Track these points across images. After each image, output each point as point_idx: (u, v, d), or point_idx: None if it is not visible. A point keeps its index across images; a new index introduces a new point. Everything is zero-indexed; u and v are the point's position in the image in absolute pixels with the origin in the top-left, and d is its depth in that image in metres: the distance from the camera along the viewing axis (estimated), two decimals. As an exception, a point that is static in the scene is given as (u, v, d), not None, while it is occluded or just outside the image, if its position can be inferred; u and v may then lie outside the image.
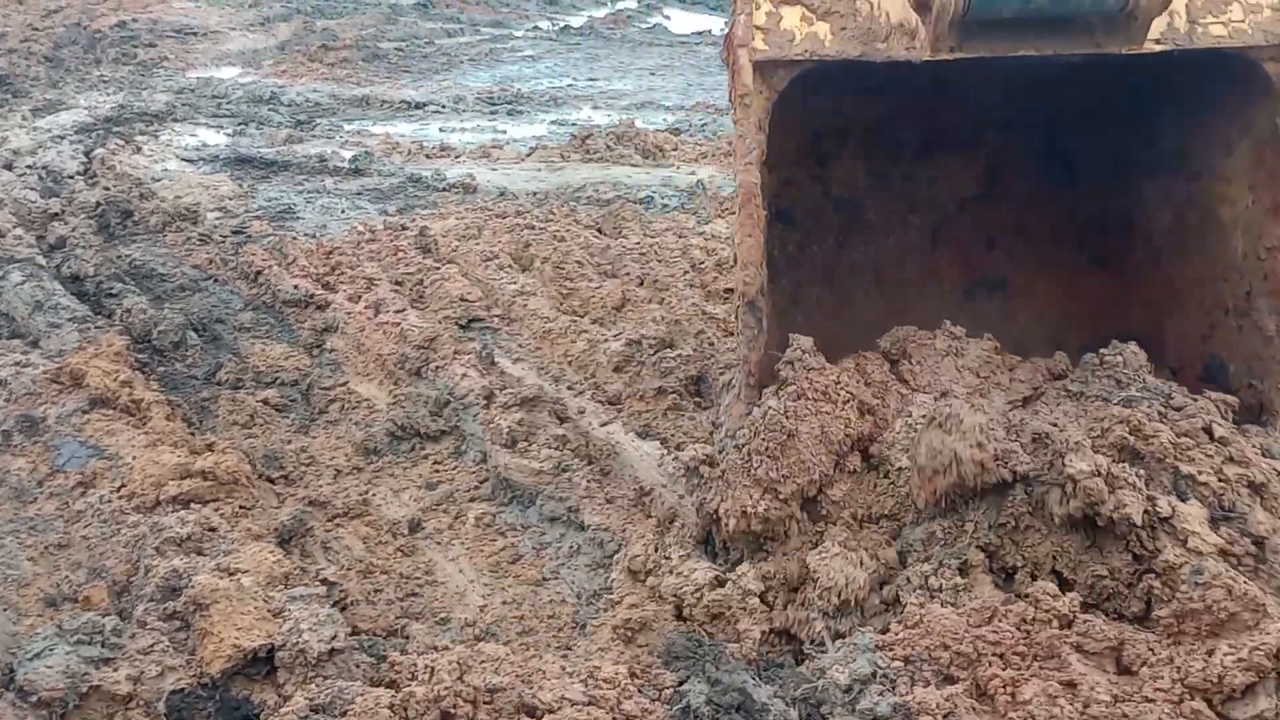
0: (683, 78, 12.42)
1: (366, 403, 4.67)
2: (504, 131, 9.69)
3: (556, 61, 13.33)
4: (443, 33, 14.92)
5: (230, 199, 7.37)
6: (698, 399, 4.48)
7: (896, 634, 2.63)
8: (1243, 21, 3.25)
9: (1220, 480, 2.88)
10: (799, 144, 4.04)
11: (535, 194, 7.46)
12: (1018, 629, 2.55)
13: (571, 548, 3.65)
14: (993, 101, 4.05)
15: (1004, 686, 2.41)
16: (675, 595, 3.12)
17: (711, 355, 4.70)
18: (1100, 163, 4.10)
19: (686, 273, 5.73)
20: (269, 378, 4.85)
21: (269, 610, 2.84)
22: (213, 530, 3.40)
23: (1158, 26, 3.19)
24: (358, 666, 2.72)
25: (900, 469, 3.11)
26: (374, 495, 4.03)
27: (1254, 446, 3.04)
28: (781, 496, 3.06)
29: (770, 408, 3.14)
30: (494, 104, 10.78)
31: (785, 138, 3.86)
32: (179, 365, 4.95)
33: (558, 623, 3.32)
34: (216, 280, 5.94)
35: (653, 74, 12.64)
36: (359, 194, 7.61)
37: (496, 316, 5.37)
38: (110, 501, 3.71)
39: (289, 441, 4.36)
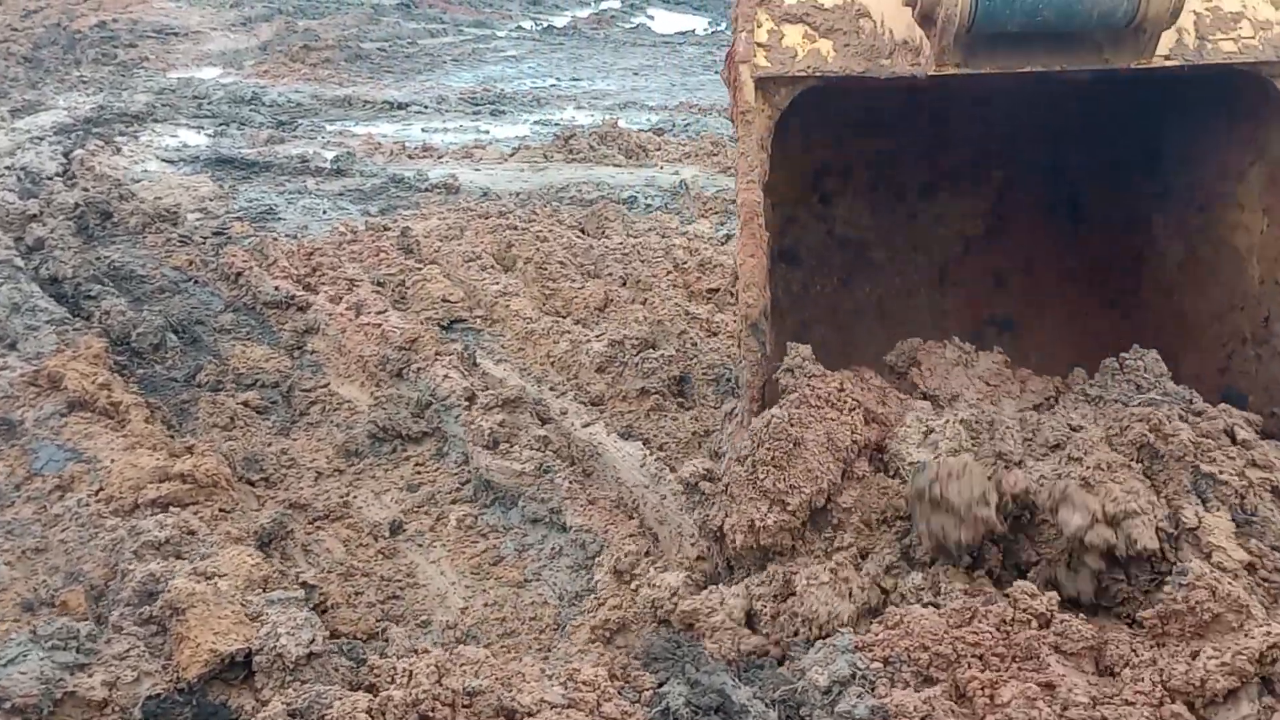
0: (666, 78, 12.42)
1: (348, 404, 4.65)
2: (487, 132, 9.67)
3: (540, 61, 13.31)
4: (425, 33, 14.88)
5: (211, 200, 7.33)
6: (680, 399, 4.47)
7: (876, 635, 2.59)
8: (1253, 38, 3.22)
9: (1242, 481, 2.81)
10: (802, 182, 4.02)
11: (518, 194, 7.45)
12: (997, 629, 2.52)
13: (553, 549, 3.64)
14: (997, 138, 4.03)
15: (982, 689, 2.38)
16: (652, 604, 3.10)
17: (694, 356, 4.70)
18: (1107, 199, 4.06)
19: (669, 273, 5.72)
20: (249, 380, 4.83)
21: (247, 614, 2.82)
22: (192, 533, 3.38)
23: (1166, 43, 3.15)
24: (336, 670, 2.71)
25: (913, 463, 3.02)
26: (355, 497, 4.01)
27: (1278, 454, 2.94)
28: (790, 508, 2.96)
29: (774, 416, 3.05)
30: (477, 104, 10.76)
31: (788, 175, 3.81)
32: (158, 367, 4.92)
33: (539, 624, 3.31)
34: (197, 282, 5.90)
35: (636, 74, 12.64)
36: (341, 195, 7.58)
37: (479, 317, 5.36)
38: (88, 505, 3.68)
39: (269, 444, 4.33)
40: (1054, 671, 2.40)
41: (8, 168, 7.87)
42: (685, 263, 5.83)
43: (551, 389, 4.63)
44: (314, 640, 2.70)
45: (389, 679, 2.54)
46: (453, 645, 2.99)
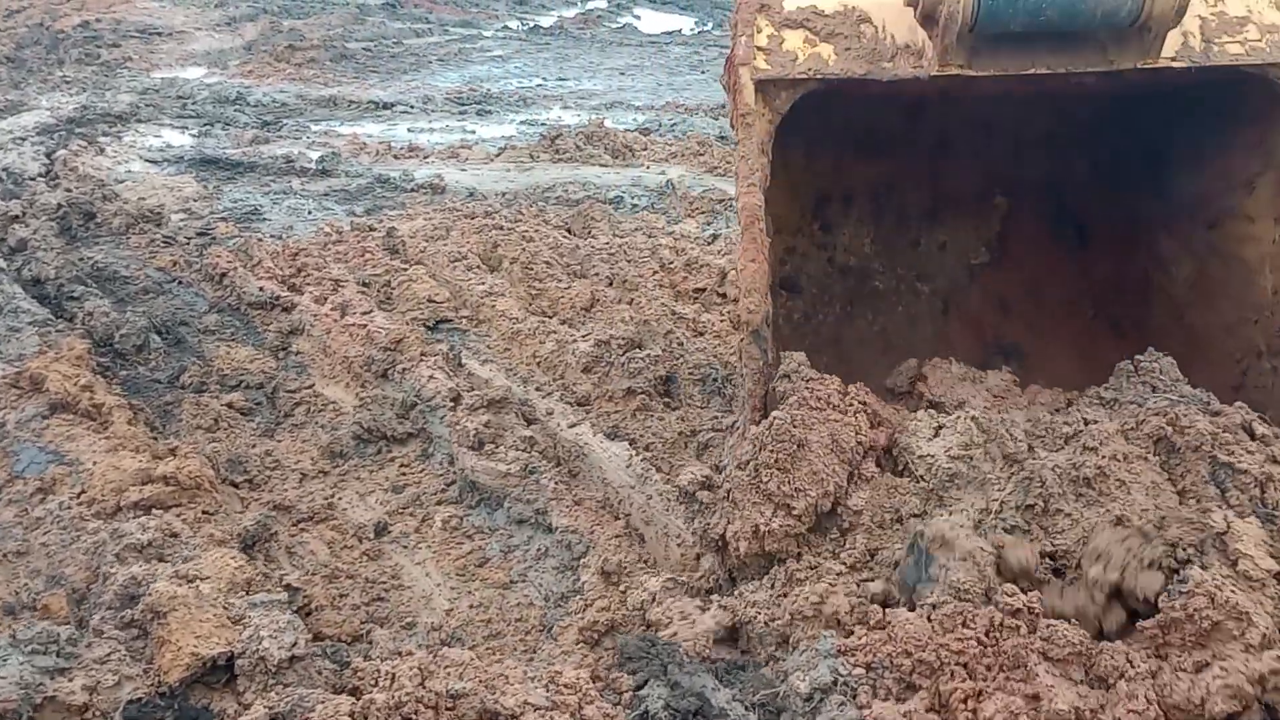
0: (652, 78, 12.41)
1: (332, 405, 4.63)
2: (473, 132, 9.65)
3: (526, 61, 13.29)
4: (411, 33, 14.84)
5: (195, 200, 7.29)
6: (667, 399, 4.46)
7: (860, 638, 2.54)
8: (1260, 41, 3.19)
9: (1262, 471, 2.73)
10: (802, 209, 4.00)
11: (504, 194, 7.43)
12: (985, 635, 2.44)
13: (539, 550, 3.63)
14: (1000, 163, 4.00)
15: (965, 700, 2.32)
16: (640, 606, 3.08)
17: (680, 355, 4.69)
18: (1113, 222, 4.03)
19: (656, 273, 5.71)
20: (234, 381, 4.81)
21: (229, 617, 2.80)
22: (174, 536, 3.35)
23: (1172, 45, 3.13)
24: (320, 673, 2.69)
25: (922, 457, 2.96)
26: (340, 499, 3.99)
27: None
28: (795, 512, 2.88)
29: (776, 418, 2.98)
30: (463, 104, 10.73)
31: (788, 203, 3.79)
32: (142, 369, 4.89)
33: (525, 626, 3.30)
34: (181, 283, 5.87)
35: (622, 74, 12.63)
36: (326, 195, 7.55)
37: (464, 318, 5.34)
38: (70, 508, 3.65)
39: (254, 445, 4.31)
40: (1041, 682, 2.33)
41: (-10, 168, 7.83)
42: (671, 262, 5.83)
43: (537, 389, 4.62)
44: (296, 643, 2.68)
45: (372, 682, 2.52)
46: (437, 647, 2.97)
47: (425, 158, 8.60)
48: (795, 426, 2.94)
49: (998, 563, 2.62)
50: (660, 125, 9.63)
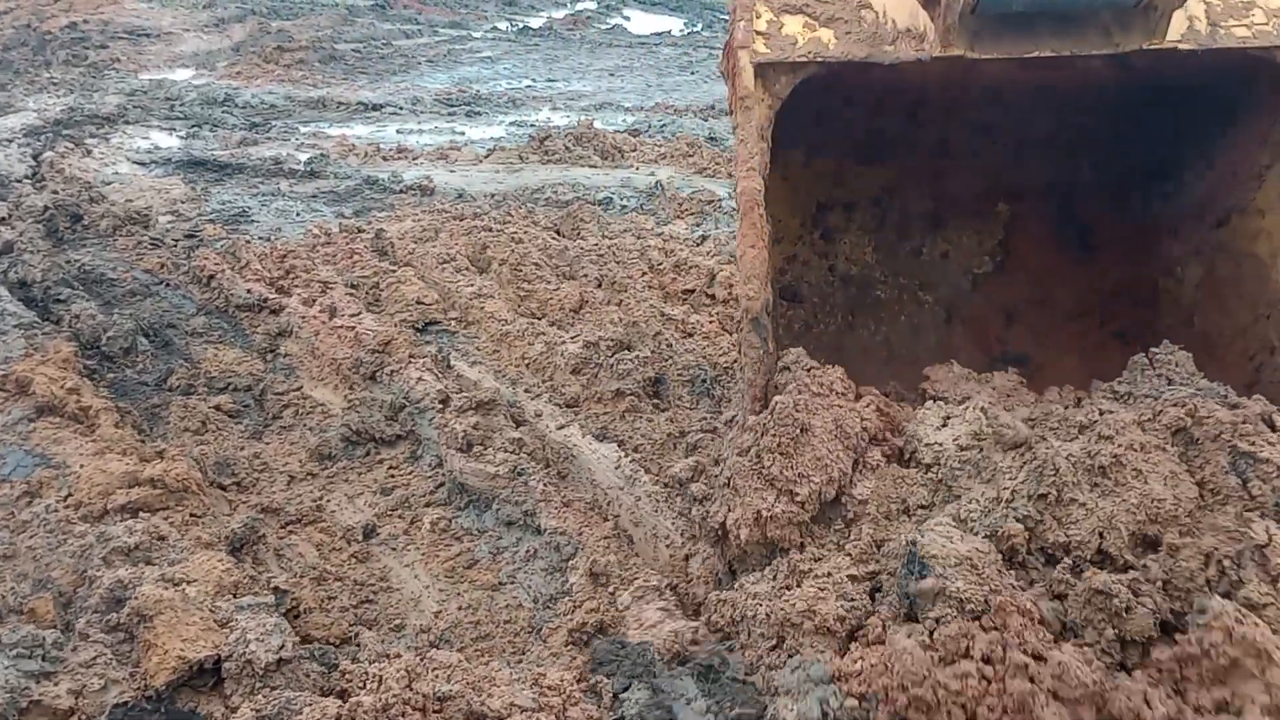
0: (642, 79, 12.42)
1: (321, 408, 4.62)
2: (462, 133, 9.65)
3: (515, 63, 13.28)
4: (400, 34, 14.83)
5: (183, 202, 7.27)
6: (655, 401, 4.47)
7: (854, 660, 2.42)
8: (1266, 24, 3.15)
9: None
10: (802, 217, 3.97)
11: (493, 196, 7.43)
12: (984, 664, 2.28)
13: (528, 552, 3.62)
14: (1002, 169, 3.97)
15: None
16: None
17: (669, 357, 4.69)
18: (1118, 227, 3.99)
19: (645, 274, 5.71)
20: (221, 383, 4.79)
21: (216, 620, 2.79)
22: (162, 539, 3.34)
23: (1178, 29, 3.09)
24: (307, 676, 2.68)
25: (929, 445, 2.88)
26: (328, 501, 3.98)
27: None
28: (798, 499, 2.78)
29: (779, 402, 2.89)
30: (452, 105, 10.73)
31: (788, 211, 3.76)
32: (129, 372, 4.87)
33: (514, 628, 3.29)
34: (168, 285, 5.85)
35: (612, 75, 12.63)
36: (314, 197, 7.54)
37: (453, 319, 5.34)
38: (56, 511, 3.64)
39: (241, 448, 4.30)
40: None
41: (-24, 170, 7.79)
42: (660, 264, 5.83)
43: (526, 391, 4.62)
44: (284, 646, 2.68)
45: (360, 684, 2.52)
46: (426, 649, 2.96)
47: (414, 159, 8.59)
48: (798, 411, 2.85)
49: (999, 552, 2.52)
50: (649, 126, 9.64)
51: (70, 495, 3.69)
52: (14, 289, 5.63)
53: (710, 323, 5.14)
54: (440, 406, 4.39)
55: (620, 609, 3.01)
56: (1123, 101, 3.72)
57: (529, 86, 11.90)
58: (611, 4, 17.54)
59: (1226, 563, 2.43)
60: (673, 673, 2.45)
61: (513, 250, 6.01)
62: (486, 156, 8.59)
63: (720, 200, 7.28)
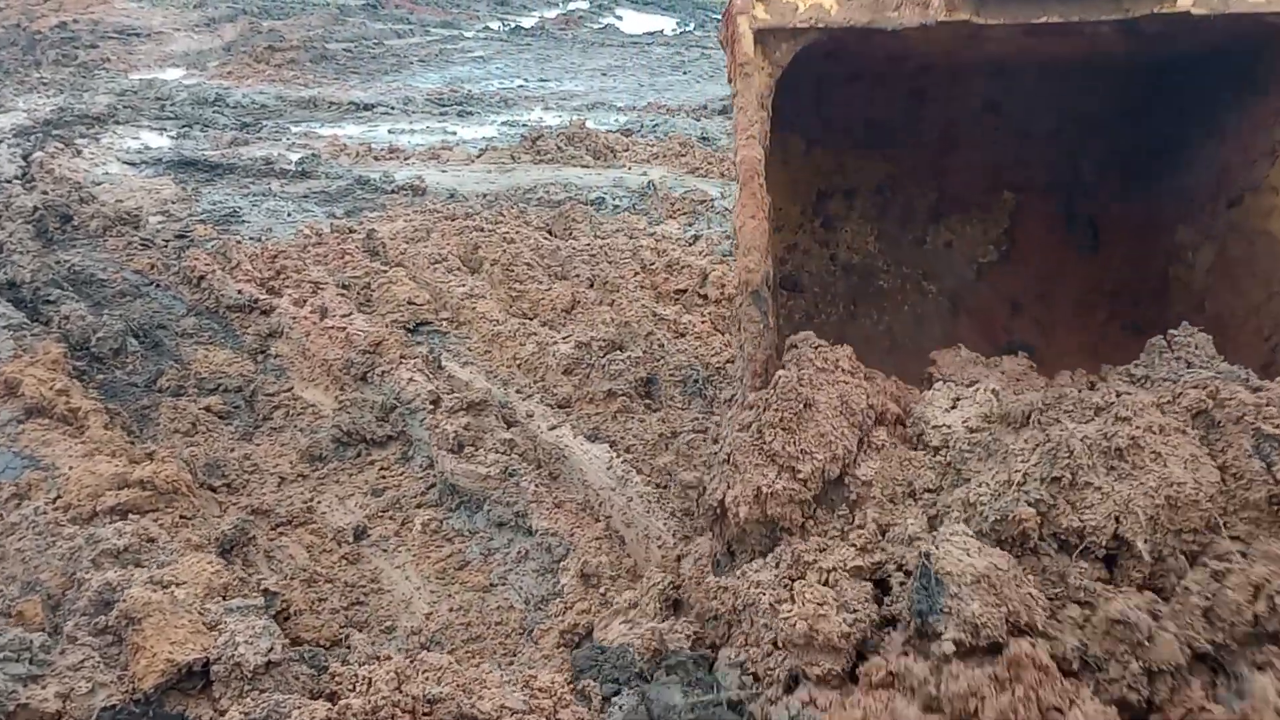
0: (634, 78, 12.42)
1: (312, 409, 4.61)
2: (454, 133, 9.64)
3: (507, 62, 13.27)
4: (392, 34, 14.81)
5: (173, 203, 7.25)
6: (648, 401, 4.46)
7: (855, 708, 2.25)
8: None
9: None
10: (803, 205, 3.90)
11: (485, 196, 7.42)
12: None
13: (519, 553, 3.61)
14: (1007, 158, 3.91)
15: None
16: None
17: (661, 357, 4.68)
18: (1127, 214, 3.92)
19: (637, 274, 5.70)
20: (212, 384, 4.78)
21: (205, 623, 2.78)
22: (151, 541, 3.32)
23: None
24: (297, 679, 2.67)
25: (937, 427, 2.77)
26: (319, 503, 3.97)
27: None
28: (800, 476, 2.66)
29: (782, 376, 2.78)
30: (444, 105, 10.71)
31: (788, 199, 3.68)
32: (118, 373, 4.85)
33: (505, 629, 3.28)
34: (158, 286, 5.83)
35: (604, 75, 12.63)
36: (306, 197, 7.52)
37: (445, 320, 5.32)
38: (45, 513, 3.61)
39: (232, 449, 4.28)
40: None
41: (-35, 171, 7.76)
42: (653, 264, 5.82)
43: (518, 391, 4.61)
44: (273, 649, 2.66)
45: (349, 686, 2.51)
46: (417, 651, 2.95)
47: (406, 159, 8.57)
48: (802, 385, 2.74)
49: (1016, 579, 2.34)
50: (642, 126, 9.64)
51: (59, 497, 3.67)
52: (3, 290, 5.61)
53: (702, 323, 5.14)
54: (431, 407, 4.38)
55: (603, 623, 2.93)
56: (1131, 78, 3.62)
57: (521, 86, 11.89)
58: (604, 3, 17.54)
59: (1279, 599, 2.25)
60: (665, 680, 2.40)
61: (504, 250, 6.00)
62: (478, 156, 8.58)
63: (713, 200, 7.28)
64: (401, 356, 4.80)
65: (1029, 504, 2.47)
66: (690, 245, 6.23)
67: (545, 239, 6.33)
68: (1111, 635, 2.28)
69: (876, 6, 3.04)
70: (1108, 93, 3.77)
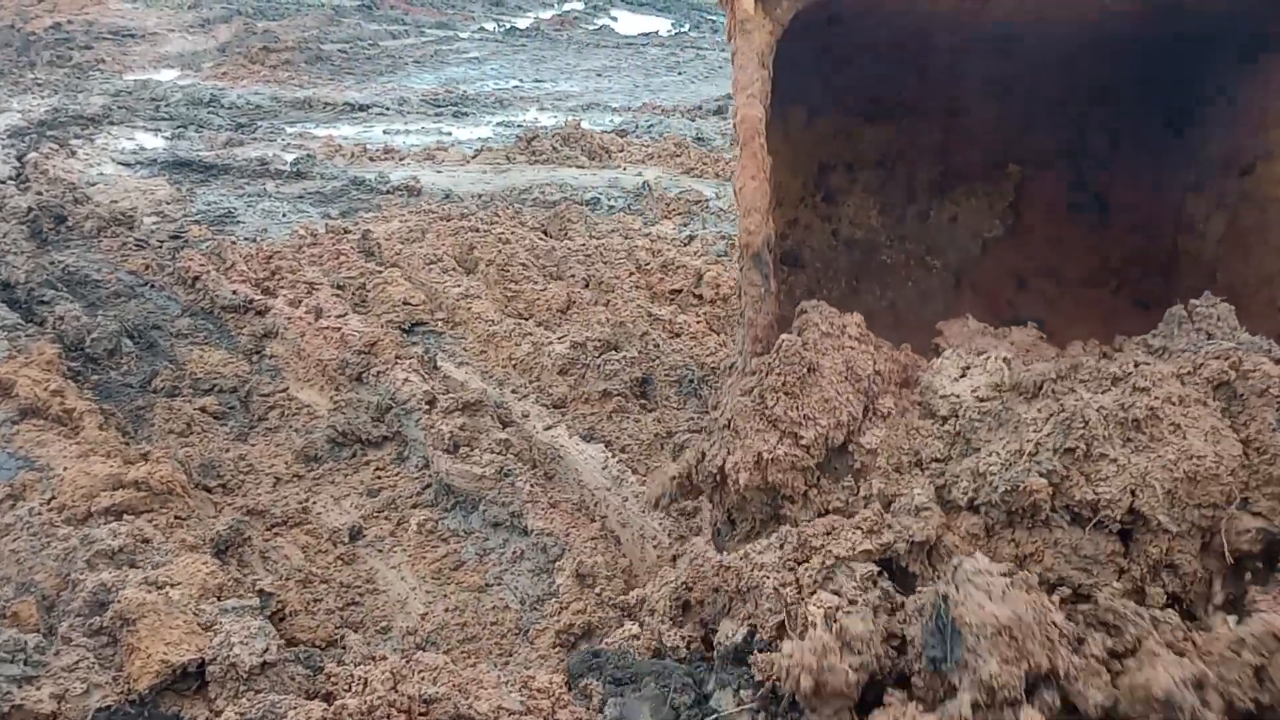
0: (629, 79, 12.42)
1: (307, 409, 4.60)
2: (449, 133, 9.64)
3: (502, 63, 13.27)
4: (387, 34, 14.81)
5: (168, 203, 7.24)
6: (643, 401, 4.46)
7: None
8: None
9: None
10: (804, 178, 3.83)
11: (480, 196, 7.42)
12: None
13: (515, 553, 3.61)
14: (1013, 131, 3.83)
15: None
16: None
17: (657, 357, 4.69)
18: (1135, 186, 3.83)
19: (632, 274, 5.71)
20: (207, 385, 4.77)
21: (200, 623, 2.77)
22: (146, 542, 3.32)
23: None
24: (292, 679, 2.67)
25: (945, 396, 2.68)
26: (314, 503, 3.97)
27: None
28: (803, 442, 2.57)
29: (786, 340, 2.68)
30: (439, 106, 10.71)
31: (789, 172, 3.59)
32: (113, 373, 4.84)
33: (501, 629, 3.28)
34: (153, 286, 5.82)
35: (599, 75, 12.63)
36: (301, 197, 7.51)
37: (440, 320, 5.32)
38: (40, 514, 3.61)
39: (227, 450, 4.28)
40: None
41: (-41, 171, 7.75)
42: (648, 264, 5.82)
43: (513, 392, 4.61)
44: (268, 649, 2.66)
45: (345, 687, 2.50)
46: (412, 652, 2.95)
47: (401, 160, 8.57)
48: (806, 350, 2.64)
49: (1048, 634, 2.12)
50: (637, 127, 9.64)
51: (54, 498, 3.67)
52: (-3, 291, 5.61)
53: (697, 323, 5.14)
54: (427, 407, 4.38)
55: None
56: (1140, 46, 3.55)
57: (516, 87, 11.89)
58: (599, 4, 17.55)
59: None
60: (636, 695, 2.34)
61: (500, 251, 6.00)
62: (473, 157, 8.58)
63: (707, 200, 7.28)
64: (397, 357, 4.80)
65: (1041, 475, 2.39)
66: (685, 245, 6.24)
67: (540, 239, 6.33)
68: (1147, 705, 2.08)
69: None
70: (1115, 63, 3.69)
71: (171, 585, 2.92)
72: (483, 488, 3.88)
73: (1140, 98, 3.71)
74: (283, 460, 4.24)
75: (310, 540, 3.73)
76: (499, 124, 9.99)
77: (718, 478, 2.72)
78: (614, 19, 16.92)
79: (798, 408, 2.60)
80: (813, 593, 2.41)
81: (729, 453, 2.66)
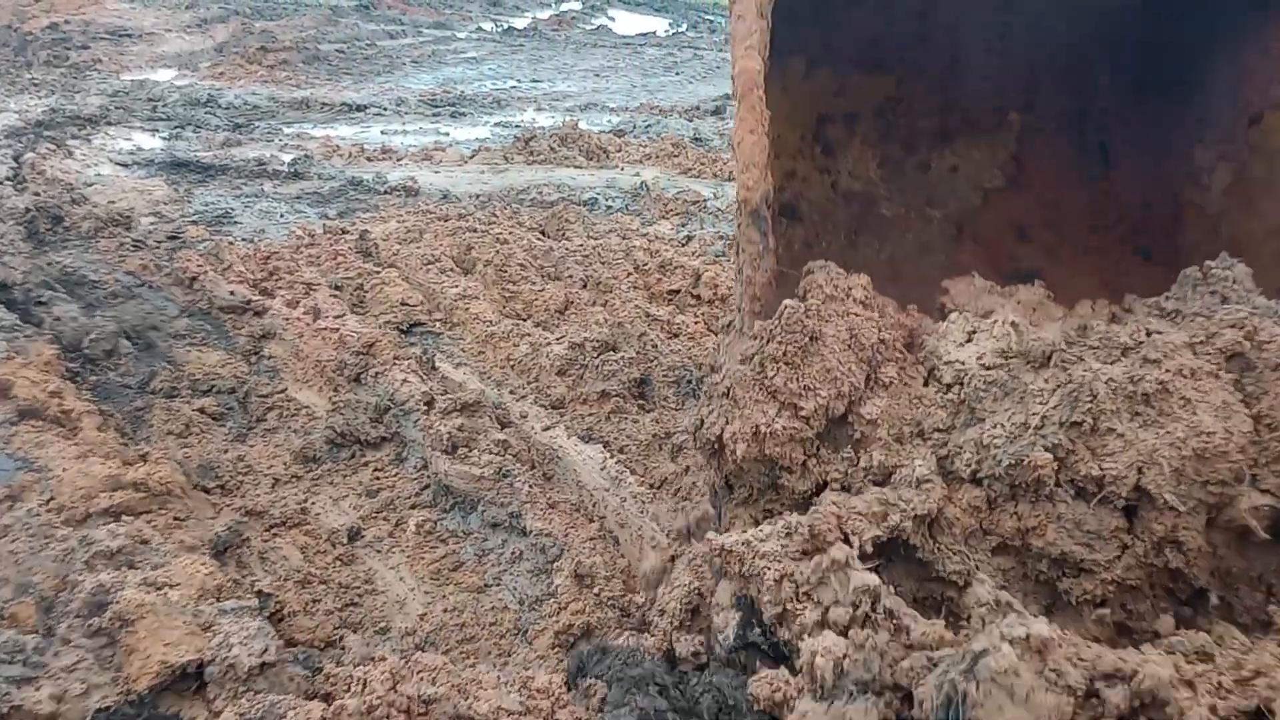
0: (627, 79, 12.43)
1: (305, 410, 4.60)
2: (446, 134, 9.64)
3: (500, 63, 13.27)
4: (384, 34, 14.81)
5: (165, 204, 7.24)
6: (641, 402, 4.47)
7: None
8: None
9: None
10: (802, 130, 3.75)
11: (478, 196, 7.42)
12: None
13: (513, 554, 3.61)
14: (1015, 79, 3.75)
15: None
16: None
17: (655, 358, 4.69)
18: (1139, 136, 3.75)
19: (630, 275, 5.71)
20: (205, 386, 4.77)
21: (199, 624, 2.78)
22: (145, 543, 3.32)
23: None
24: (292, 680, 2.67)
25: (950, 363, 2.64)
26: (313, 504, 3.97)
27: None
28: (803, 413, 2.54)
29: (789, 306, 2.63)
30: (436, 106, 10.72)
31: (786, 123, 3.51)
32: (111, 374, 4.84)
33: (499, 630, 3.29)
34: (151, 287, 5.81)
35: (597, 75, 12.64)
36: (298, 198, 7.51)
37: (438, 321, 5.32)
38: (38, 515, 3.60)
39: (225, 451, 4.28)
40: None
41: (-44, 172, 7.74)
42: (646, 264, 5.83)
43: (511, 392, 4.61)
44: (267, 650, 2.66)
45: (344, 687, 2.51)
46: (411, 652, 2.96)
47: (398, 160, 8.58)
48: (809, 317, 2.60)
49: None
50: (635, 127, 9.65)
51: (52, 499, 3.66)
52: (-5, 291, 5.60)
53: (696, 323, 5.14)
54: (425, 408, 4.38)
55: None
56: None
57: (514, 87, 11.89)
58: (596, 4, 17.55)
59: None
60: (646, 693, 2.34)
61: (497, 251, 6.00)
62: (471, 157, 8.58)
63: (705, 200, 7.29)
64: (395, 358, 4.80)
65: (1046, 448, 2.36)
66: (683, 246, 6.24)
67: (538, 240, 6.34)
68: None
69: None
70: (1121, 10, 3.63)
71: (170, 586, 2.92)
72: (481, 488, 3.88)
73: (1146, 45, 3.63)
74: (281, 461, 4.24)
75: (309, 541, 3.73)
76: (496, 124, 9.99)
77: (715, 445, 2.68)
78: (611, 19, 16.93)
79: (798, 378, 2.56)
80: (810, 597, 2.34)
81: (727, 421, 2.63)
